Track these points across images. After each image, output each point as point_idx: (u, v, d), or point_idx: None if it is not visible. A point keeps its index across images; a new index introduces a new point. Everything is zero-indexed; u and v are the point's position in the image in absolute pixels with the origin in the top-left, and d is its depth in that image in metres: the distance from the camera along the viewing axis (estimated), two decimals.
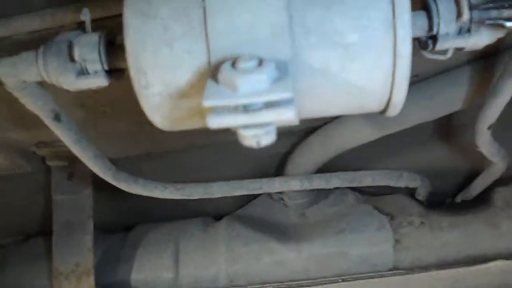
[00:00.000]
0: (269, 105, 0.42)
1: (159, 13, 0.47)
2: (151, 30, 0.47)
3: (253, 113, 0.42)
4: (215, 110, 0.42)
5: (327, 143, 0.91)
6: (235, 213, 1.12)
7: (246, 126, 0.43)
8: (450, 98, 0.78)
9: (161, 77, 0.48)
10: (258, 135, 0.44)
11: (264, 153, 1.05)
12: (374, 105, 0.51)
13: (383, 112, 0.53)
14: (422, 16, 0.51)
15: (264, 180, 0.94)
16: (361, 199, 1.09)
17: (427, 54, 0.53)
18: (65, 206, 1.07)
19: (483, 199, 1.02)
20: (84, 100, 0.81)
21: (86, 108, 0.83)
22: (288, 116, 0.42)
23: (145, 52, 0.47)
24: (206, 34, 0.46)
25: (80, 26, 0.59)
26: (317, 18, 0.46)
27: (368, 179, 0.96)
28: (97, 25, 0.58)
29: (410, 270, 0.98)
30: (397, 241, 1.01)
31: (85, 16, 0.56)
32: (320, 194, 1.09)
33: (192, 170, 1.02)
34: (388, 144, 0.95)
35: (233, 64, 0.43)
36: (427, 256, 1.00)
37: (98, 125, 0.89)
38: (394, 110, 0.51)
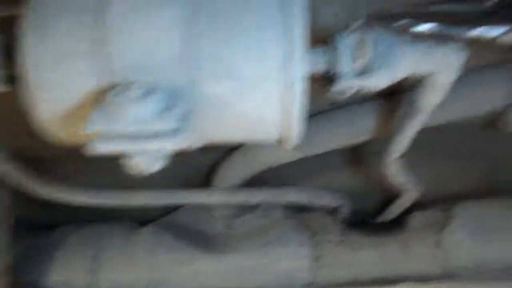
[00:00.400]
0: (155, 134, 0.42)
1: (58, 29, 0.46)
2: (47, 45, 0.46)
3: (139, 141, 0.42)
4: (100, 136, 0.42)
5: (251, 159, 0.92)
6: (161, 220, 1.11)
7: (132, 153, 0.44)
8: (362, 128, 0.80)
9: (52, 94, 0.47)
10: (144, 161, 0.44)
11: (191, 163, 1.06)
12: (272, 137, 0.52)
13: (283, 143, 0.54)
14: (324, 54, 0.52)
15: (188, 191, 0.94)
16: (287, 213, 1.11)
17: (329, 91, 0.54)
18: None
19: (400, 222, 1.06)
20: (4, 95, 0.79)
21: (5, 103, 0.80)
22: (173, 146, 0.43)
23: (38, 68, 0.46)
24: (104, 56, 0.46)
25: None
26: (215, 49, 0.46)
27: (290, 196, 0.98)
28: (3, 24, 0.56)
29: (326, 287, 1.00)
30: (316, 258, 1.03)
31: None
32: (248, 206, 1.10)
33: (116, 175, 1.01)
34: (311, 164, 0.98)
35: (123, 91, 0.43)
36: (344, 275, 1.03)
37: (20, 120, 0.86)
38: (291, 142, 0.52)
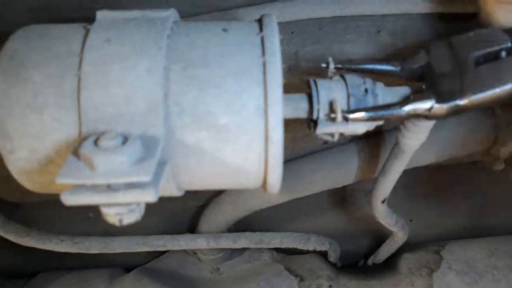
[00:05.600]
0: (129, 186, 0.41)
1: (31, 77, 0.46)
2: (20, 94, 0.45)
3: (112, 193, 0.41)
4: (72, 187, 0.41)
5: (238, 202, 0.90)
6: (145, 266, 1.07)
7: (106, 205, 0.42)
8: (349, 170, 0.79)
9: (27, 144, 0.46)
10: (120, 213, 0.43)
11: (179, 206, 1.04)
12: (252, 184, 0.51)
13: (263, 189, 0.53)
14: (304, 100, 0.52)
15: (169, 237, 0.92)
16: (275, 257, 1.08)
17: (316, 135, 0.53)
18: None
19: (390, 264, 1.03)
20: None
21: None
22: (147, 199, 0.41)
23: (11, 117, 0.45)
24: (78, 105, 0.45)
25: None
26: (192, 98, 0.46)
27: (276, 240, 0.95)
28: None
29: None
30: None
31: None
32: (235, 250, 1.07)
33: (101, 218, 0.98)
34: (299, 206, 0.96)
35: (96, 141, 0.42)
36: None
37: None
38: (272, 189, 0.51)
